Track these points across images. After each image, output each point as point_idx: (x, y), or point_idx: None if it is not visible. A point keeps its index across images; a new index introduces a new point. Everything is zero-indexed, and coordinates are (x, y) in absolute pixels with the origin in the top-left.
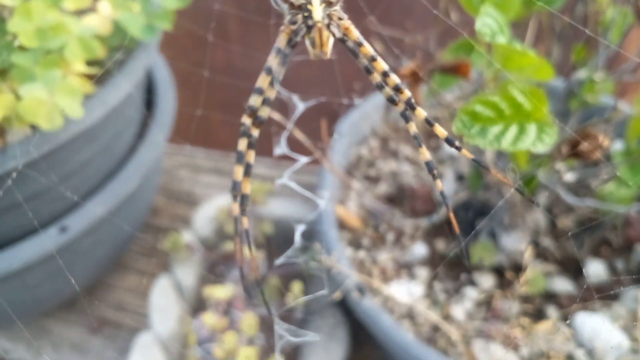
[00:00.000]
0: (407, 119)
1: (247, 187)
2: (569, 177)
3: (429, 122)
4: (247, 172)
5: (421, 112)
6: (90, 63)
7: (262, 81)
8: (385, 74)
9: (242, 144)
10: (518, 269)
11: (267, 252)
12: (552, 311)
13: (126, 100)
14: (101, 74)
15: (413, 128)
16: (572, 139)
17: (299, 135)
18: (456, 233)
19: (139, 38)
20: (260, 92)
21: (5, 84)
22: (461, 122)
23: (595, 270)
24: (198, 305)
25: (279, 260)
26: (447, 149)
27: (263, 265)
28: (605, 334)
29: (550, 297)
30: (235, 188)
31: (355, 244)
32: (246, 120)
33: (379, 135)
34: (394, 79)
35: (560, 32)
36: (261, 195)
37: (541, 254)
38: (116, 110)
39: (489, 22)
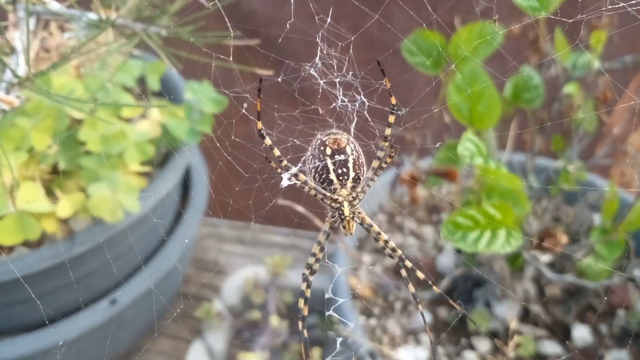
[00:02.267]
0: (400, 267)
1: (306, 311)
2: (545, 258)
3: (413, 269)
4: (306, 302)
5: (408, 263)
6: (143, 161)
7: (315, 249)
8: (386, 242)
9: (303, 285)
10: (511, 334)
11: (288, 319)
12: None
13: (171, 190)
14: (152, 169)
15: (404, 273)
16: (538, 235)
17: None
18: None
19: (184, 140)
20: (314, 255)
21: (73, 182)
22: (447, 230)
23: (582, 334)
24: None
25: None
26: None
27: (285, 332)
28: None
29: (541, 358)
30: (299, 312)
31: (367, 312)
32: (306, 271)
33: (385, 211)
34: (392, 244)
35: (541, 124)
36: (282, 268)
37: (532, 319)
38: (163, 199)
39: (468, 146)
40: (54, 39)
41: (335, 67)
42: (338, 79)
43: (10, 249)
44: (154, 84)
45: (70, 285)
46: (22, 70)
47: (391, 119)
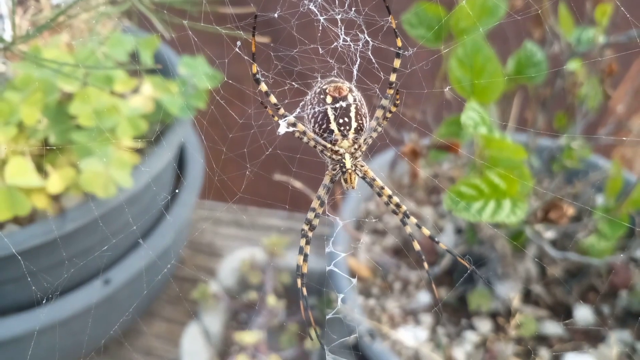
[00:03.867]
0: (404, 223)
1: (305, 268)
2: (549, 234)
3: (418, 226)
4: (305, 259)
5: (413, 219)
6: (136, 136)
7: (315, 203)
8: (389, 197)
9: (302, 241)
10: (512, 314)
11: (286, 300)
12: (543, 352)
13: (165, 167)
14: (144, 146)
15: (409, 230)
16: (543, 207)
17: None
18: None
19: (177, 116)
20: (313, 210)
21: (65, 157)
22: (450, 199)
23: (583, 314)
24: (224, 350)
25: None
26: None
27: (283, 312)
28: None
29: (542, 339)
30: (298, 269)
31: (366, 293)
32: (305, 227)
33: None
34: (396, 199)
35: (543, 101)
36: (280, 248)
37: (533, 300)
38: (157, 176)
39: (472, 116)
40: (44, 8)
41: (337, 2)
42: (340, 16)
43: (0, 226)
44: (147, 58)
45: (62, 264)
46: (7, 36)
47: (396, 62)
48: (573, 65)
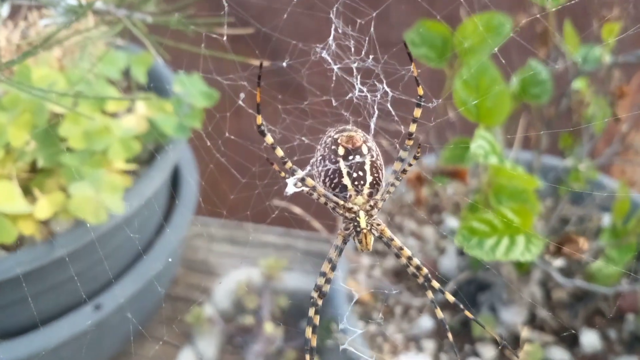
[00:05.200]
0: (425, 288)
1: (314, 341)
2: (558, 263)
3: (441, 291)
4: (314, 331)
5: (435, 284)
6: (129, 158)
7: (325, 267)
8: (409, 258)
9: (311, 311)
10: (517, 340)
11: (284, 325)
12: None
13: (159, 189)
14: (138, 167)
15: (430, 295)
16: (557, 241)
17: (309, 217)
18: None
19: (172, 136)
20: (324, 275)
21: (54, 181)
22: (462, 236)
23: (590, 340)
24: None
25: None
26: (449, 224)
27: (280, 339)
28: None
29: None
30: (306, 343)
31: (366, 318)
32: (314, 294)
33: (384, 211)
34: (416, 261)
35: (548, 121)
36: (277, 271)
37: (538, 324)
38: (150, 199)
39: (482, 144)
40: (35, 29)
41: (353, 49)
42: (355, 64)
43: None
44: (140, 76)
45: (51, 290)
46: None
47: (417, 112)
48: (579, 84)
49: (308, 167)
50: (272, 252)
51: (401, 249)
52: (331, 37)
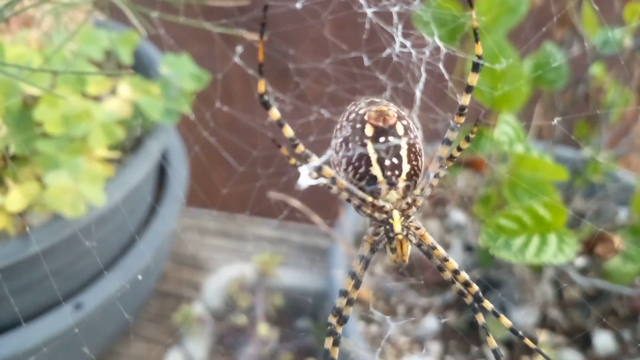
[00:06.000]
0: (475, 311)
1: None
2: (579, 262)
3: (495, 314)
4: None
5: (488, 304)
6: (111, 145)
7: (347, 284)
8: (455, 272)
9: (328, 342)
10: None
11: (278, 326)
12: None
13: (144, 179)
14: (121, 155)
15: (481, 319)
16: (587, 240)
17: (308, 210)
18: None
19: (158, 121)
20: (345, 294)
21: (28, 170)
22: (487, 235)
23: (603, 341)
24: None
25: None
26: (454, 217)
27: (275, 340)
28: None
29: None
30: None
31: (367, 318)
32: (332, 319)
33: None
34: (464, 275)
35: (563, 109)
36: (271, 267)
37: (549, 324)
38: (134, 190)
39: (507, 131)
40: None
41: None
42: (396, 7)
43: None
44: (125, 56)
45: (27, 289)
46: None
47: (472, 78)
48: (597, 70)
49: (328, 152)
50: (267, 245)
51: (445, 260)
52: None
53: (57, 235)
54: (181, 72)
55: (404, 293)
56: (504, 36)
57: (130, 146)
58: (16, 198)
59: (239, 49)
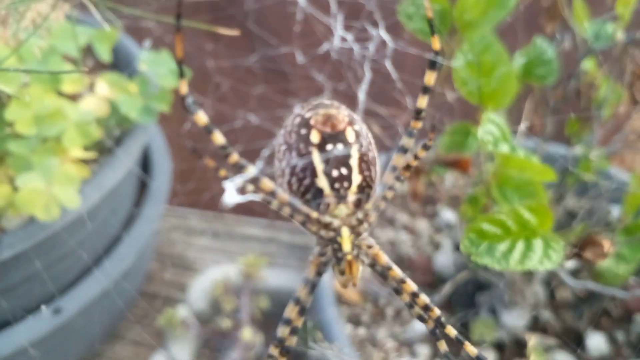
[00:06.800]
0: (437, 337)
1: None
2: (570, 263)
3: (459, 341)
4: None
5: (451, 330)
6: (87, 145)
7: (290, 311)
8: (414, 295)
9: None
10: (519, 344)
11: (263, 329)
12: None
13: (124, 179)
14: (99, 155)
15: (443, 346)
16: (576, 243)
17: None
18: None
19: (137, 120)
20: (288, 322)
21: (0, 171)
22: (469, 241)
23: (596, 343)
24: None
25: None
26: (444, 216)
27: (260, 344)
28: None
29: None
30: None
31: (355, 320)
32: (273, 351)
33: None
34: (424, 298)
35: (554, 105)
36: (257, 269)
37: (541, 326)
38: (113, 191)
39: (492, 130)
40: None
41: None
42: None
43: None
44: (104, 54)
45: (3, 294)
46: None
47: (429, 77)
48: (589, 64)
49: (259, 161)
50: (255, 245)
51: (402, 281)
52: None
53: (31, 238)
54: (161, 69)
55: (392, 295)
56: (493, 31)
57: (110, 146)
58: None
59: (146, 43)
